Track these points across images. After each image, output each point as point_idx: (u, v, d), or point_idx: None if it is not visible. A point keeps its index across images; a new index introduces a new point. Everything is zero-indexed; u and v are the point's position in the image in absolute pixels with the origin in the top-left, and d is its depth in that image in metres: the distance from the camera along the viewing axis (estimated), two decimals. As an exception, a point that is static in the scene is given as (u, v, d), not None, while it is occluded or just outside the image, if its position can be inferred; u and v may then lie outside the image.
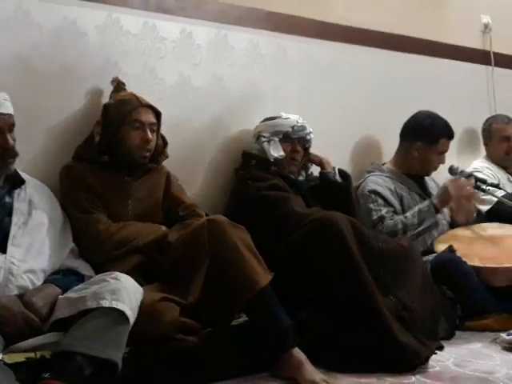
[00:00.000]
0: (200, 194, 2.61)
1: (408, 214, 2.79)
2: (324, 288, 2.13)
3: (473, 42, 3.58)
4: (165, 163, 2.36)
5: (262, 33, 2.81)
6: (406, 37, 3.30)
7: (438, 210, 2.81)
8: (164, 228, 2.16)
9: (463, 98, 3.54)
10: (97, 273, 1.94)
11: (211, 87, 2.67)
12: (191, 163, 2.61)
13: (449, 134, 2.96)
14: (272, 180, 2.54)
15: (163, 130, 2.32)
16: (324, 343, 2.06)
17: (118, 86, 2.33)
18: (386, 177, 2.91)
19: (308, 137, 2.68)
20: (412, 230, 2.75)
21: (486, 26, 3.62)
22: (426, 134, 2.93)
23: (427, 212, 2.79)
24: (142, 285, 1.84)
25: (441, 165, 3.01)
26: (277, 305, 1.95)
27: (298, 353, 1.92)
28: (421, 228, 2.76)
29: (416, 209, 2.82)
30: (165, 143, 2.34)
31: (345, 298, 2.09)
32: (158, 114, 2.26)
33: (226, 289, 1.87)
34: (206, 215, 2.28)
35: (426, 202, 2.84)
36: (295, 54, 2.94)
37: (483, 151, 3.57)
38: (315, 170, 2.79)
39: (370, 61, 3.19)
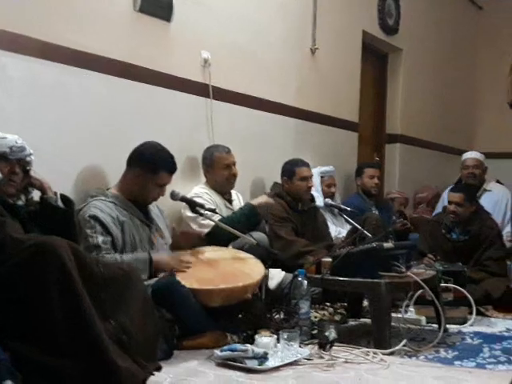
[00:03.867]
0: None
1: (125, 257, 2.77)
2: (42, 316, 2.06)
3: (194, 75, 3.77)
4: None
5: (-24, 48, 2.65)
6: (132, 65, 3.35)
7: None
8: None
9: (186, 127, 3.73)
10: None
11: None
12: None
13: (170, 167, 3.03)
14: (-13, 203, 2.38)
15: None
16: (40, 373, 1.98)
17: None
18: (110, 202, 2.91)
19: (28, 158, 2.56)
20: None
21: (206, 60, 3.82)
22: (147, 164, 2.98)
23: (142, 264, 2.78)
24: None
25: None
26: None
27: (10, 387, 1.83)
28: None
29: (134, 256, 2.82)
30: None
31: (63, 325, 2.05)
32: None
33: None
34: None
35: (146, 255, 2.84)
36: (16, 72, 2.80)
37: (203, 178, 3.79)
38: (36, 195, 2.68)
39: (97, 86, 3.18)
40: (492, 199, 4.83)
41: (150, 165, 2.98)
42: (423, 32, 6.43)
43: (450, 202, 4.26)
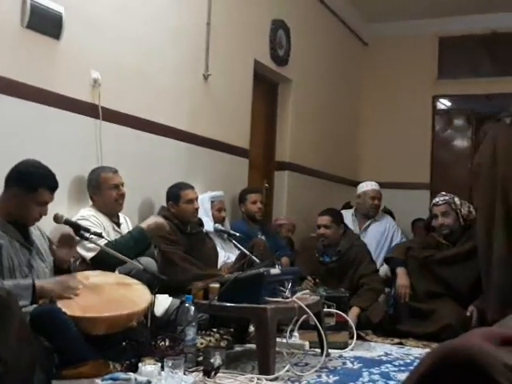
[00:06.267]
0: None
1: (6, 282, 2.60)
2: None
3: (83, 94, 3.67)
4: None
5: None
6: (17, 82, 3.21)
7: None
8: None
9: (73, 148, 3.62)
10: None
11: None
12: None
13: (50, 184, 2.91)
14: None
15: None
16: None
17: None
18: (-13, 224, 2.76)
19: None
20: None
21: (96, 80, 3.73)
22: (25, 181, 2.85)
23: (24, 290, 2.62)
24: None
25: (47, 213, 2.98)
26: None
27: None
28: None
29: (16, 281, 2.66)
30: None
31: None
32: None
33: None
34: None
35: (29, 281, 2.67)
36: None
37: (90, 200, 3.68)
38: None
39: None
40: (379, 230, 4.98)
41: (29, 182, 2.84)
42: (312, 64, 6.67)
43: (318, 226, 4.44)
